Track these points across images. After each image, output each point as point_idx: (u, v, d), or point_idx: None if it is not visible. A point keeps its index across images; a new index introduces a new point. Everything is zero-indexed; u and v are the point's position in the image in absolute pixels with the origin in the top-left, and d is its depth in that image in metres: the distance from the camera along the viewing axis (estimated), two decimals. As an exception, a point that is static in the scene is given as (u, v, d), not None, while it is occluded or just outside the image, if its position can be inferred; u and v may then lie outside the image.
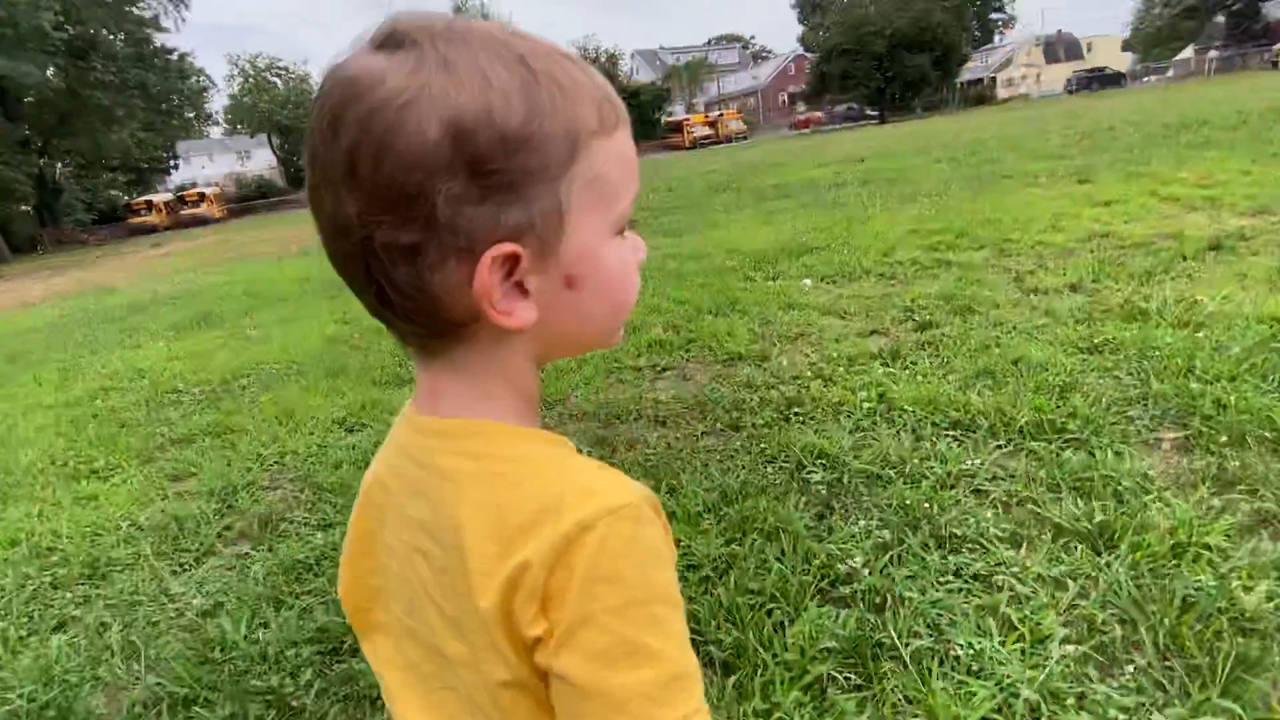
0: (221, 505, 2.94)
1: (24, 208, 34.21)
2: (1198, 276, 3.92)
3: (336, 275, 0.48)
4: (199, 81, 40.67)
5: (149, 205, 38.97)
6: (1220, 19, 50.91)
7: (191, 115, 40.45)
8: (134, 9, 33.60)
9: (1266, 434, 2.26)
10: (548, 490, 0.47)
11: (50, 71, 28.76)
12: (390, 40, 0.44)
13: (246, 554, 2.55)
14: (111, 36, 32.21)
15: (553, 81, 0.45)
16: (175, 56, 36.64)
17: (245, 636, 2.06)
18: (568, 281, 0.49)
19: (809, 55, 55.32)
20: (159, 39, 35.11)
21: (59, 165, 36.59)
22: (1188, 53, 55.49)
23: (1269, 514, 1.93)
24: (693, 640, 1.81)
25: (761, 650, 1.70)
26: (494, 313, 0.46)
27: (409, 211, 0.43)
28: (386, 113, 0.42)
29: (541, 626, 0.44)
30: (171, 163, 46.44)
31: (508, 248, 0.45)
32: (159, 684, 1.93)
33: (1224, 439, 2.28)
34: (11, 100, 30.01)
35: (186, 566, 2.54)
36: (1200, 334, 3.08)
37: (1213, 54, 47.79)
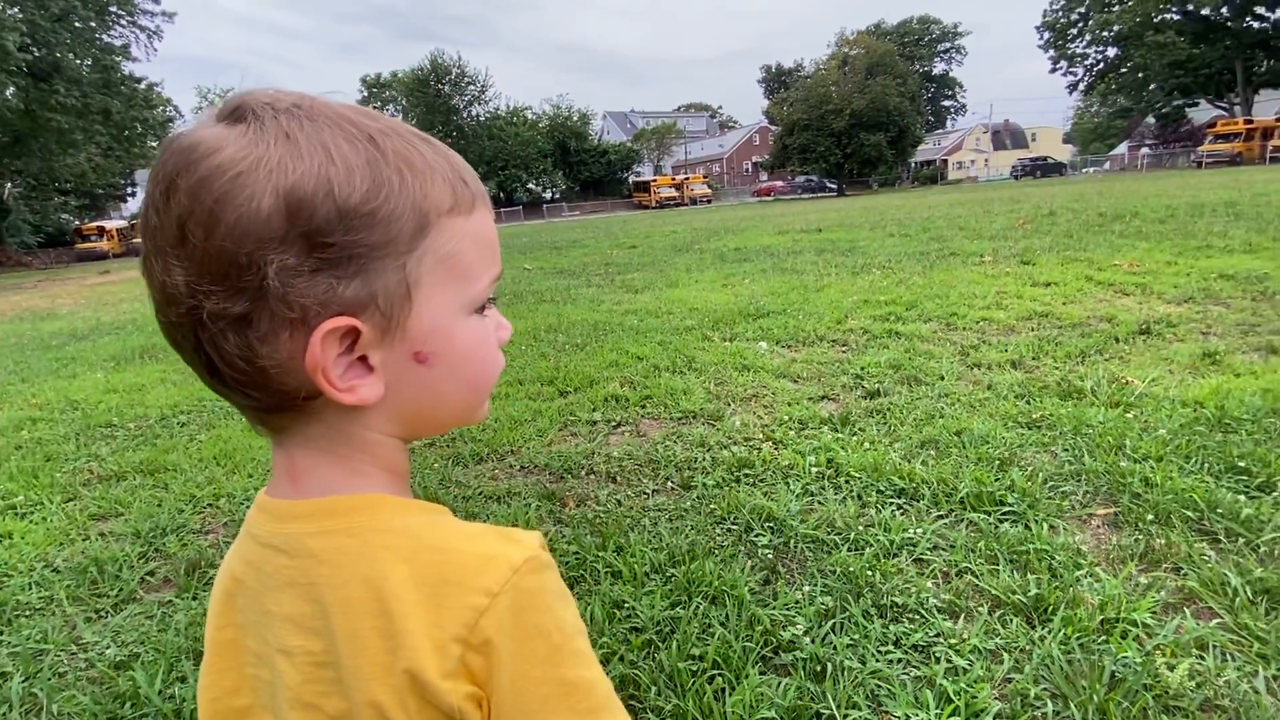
0: (147, 548, 2.80)
1: (-36, 226, 33.03)
2: (1128, 359, 4.12)
3: None
4: (165, 111, 40.38)
5: (101, 231, 38.10)
6: (1151, 120, 54.94)
7: (154, 144, 39.90)
8: (104, 36, 33.38)
9: (1190, 513, 2.36)
10: (446, 560, 0.46)
11: (10, 91, 28.16)
12: (234, 113, 0.44)
13: (170, 602, 2.43)
14: (79, 61, 31.80)
15: (401, 159, 0.45)
16: (143, 85, 36.35)
17: (160, 692, 1.94)
18: (417, 357, 0.48)
19: (773, 127, 57.61)
20: (128, 67, 34.85)
21: (8, 185, 35.53)
22: (1122, 149, 59.64)
23: (1192, 592, 2.00)
24: (631, 708, 1.76)
25: (701, 719, 1.68)
26: (330, 388, 0.45)
27: (239, 281, 0.42)
28: (218, 181, 0.41)
29: (470, 698, 0.44)
30: (129, 190, 45.66)
31: (343, 321, 0.44)
32: (59, 742, 1.81)
33: (1150, 517, 2.37)
34: (-37, 117, 29.27)
35: (103, 613, 2.40)
36: (1130, 414, 3.23)
37: (1144, 151, 51.48)
